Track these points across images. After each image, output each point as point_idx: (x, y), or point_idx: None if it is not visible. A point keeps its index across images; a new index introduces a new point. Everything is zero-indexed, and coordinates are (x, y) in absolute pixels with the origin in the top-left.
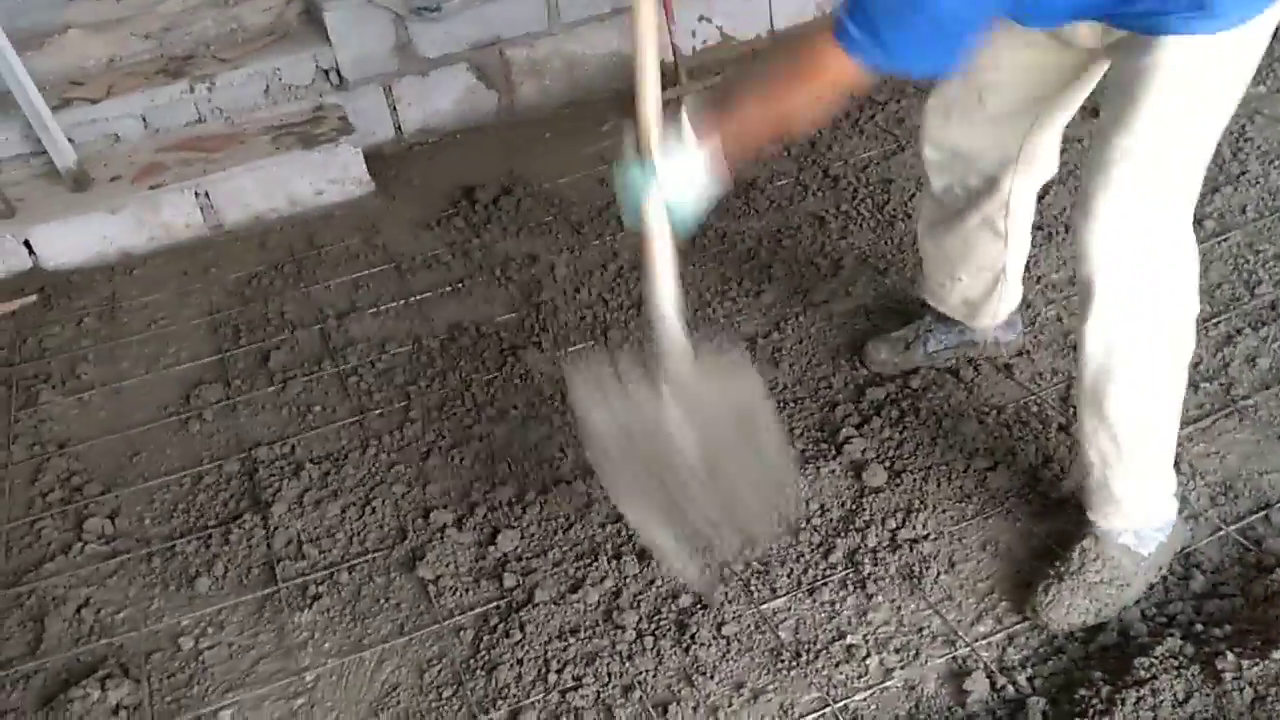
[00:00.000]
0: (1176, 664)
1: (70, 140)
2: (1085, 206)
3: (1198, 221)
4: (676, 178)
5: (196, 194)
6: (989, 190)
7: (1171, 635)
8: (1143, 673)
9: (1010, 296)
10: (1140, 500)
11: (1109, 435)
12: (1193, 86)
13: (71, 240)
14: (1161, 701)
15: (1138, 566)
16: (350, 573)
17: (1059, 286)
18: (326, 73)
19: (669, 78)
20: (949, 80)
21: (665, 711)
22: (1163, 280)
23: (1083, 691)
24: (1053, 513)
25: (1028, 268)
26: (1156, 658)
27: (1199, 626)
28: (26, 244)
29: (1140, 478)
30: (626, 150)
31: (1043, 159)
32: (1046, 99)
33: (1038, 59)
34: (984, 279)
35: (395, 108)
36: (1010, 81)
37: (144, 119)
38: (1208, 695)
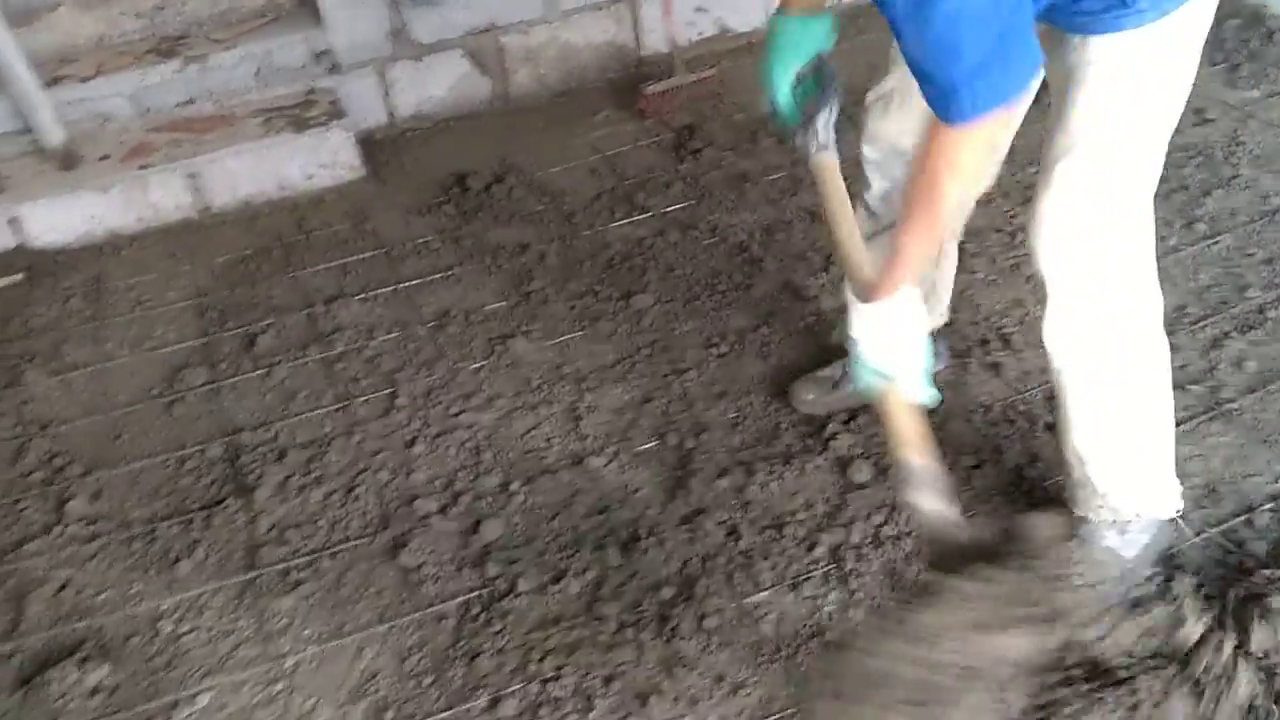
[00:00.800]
0: (1155, 664)
1: (59, 119)
2: (1033, 206)
3: (1188, 225)
4: (878, 346)
5: (186, 175)
6: None
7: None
8: (1123, 672)
9: (937, 314)
10: (1126, 494)
11: (1082, 431)
12: (1127, 82)
13: (59, 219)
14: (1140, 701)
15: (1121, 570)
16: (332, 559)
17: None
18: (319, 56)
19: (665, 69)
20: (890, 73)
21: (645, 703)
22: (1114, 275)
23: (1061, 690)
24: (1038, 512)
25: (1017, 266)
26: (1136, 658)
27: None
28: (13, 222)
29: (1124, 471)
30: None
31: None
32: None
33: None
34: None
35: (388, 93)
36: None
37: (134, 99)
38: (1185, 694)
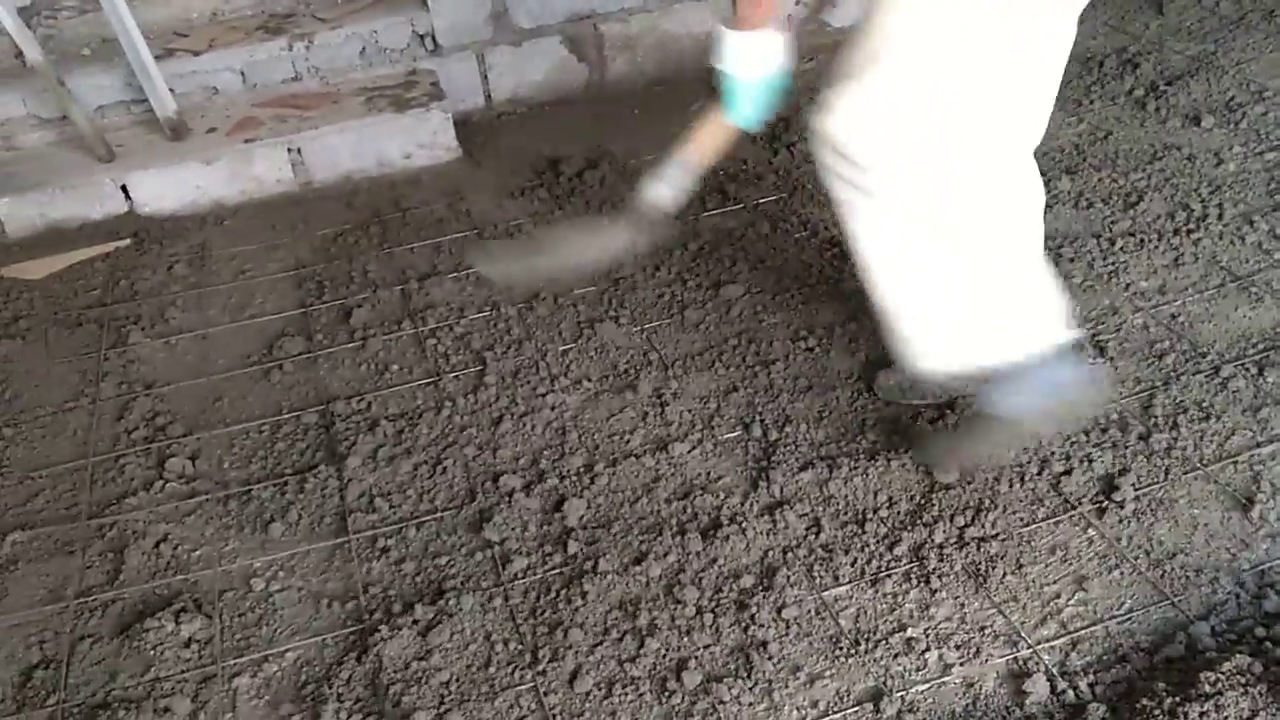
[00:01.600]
0: (1243, 681)
1: (171, 90)
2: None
3: None
4: (740, 60)
5: (289, 150)
6: None
7: (1240, 652)
8: (1208, 687)
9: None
10: (910, 345)
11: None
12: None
13: (167, 188)
14: (1226, 717)
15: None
16: (419, 529)
17: (1147, 294)
18: (422, 38)
19: None
20: None
21: (720, 688)
22: (860, 161)
23: (1145, 702)
24: (1127, 522)
25: (1114, 273)
26: (1223, 673)
27: (1269, 645)
28: (124, 189)
29: (899, 325)
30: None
31: None
32: None
33: None
34: None
35: (487, 76)
36: None
37: (242, 74)
38: (1274, 714)
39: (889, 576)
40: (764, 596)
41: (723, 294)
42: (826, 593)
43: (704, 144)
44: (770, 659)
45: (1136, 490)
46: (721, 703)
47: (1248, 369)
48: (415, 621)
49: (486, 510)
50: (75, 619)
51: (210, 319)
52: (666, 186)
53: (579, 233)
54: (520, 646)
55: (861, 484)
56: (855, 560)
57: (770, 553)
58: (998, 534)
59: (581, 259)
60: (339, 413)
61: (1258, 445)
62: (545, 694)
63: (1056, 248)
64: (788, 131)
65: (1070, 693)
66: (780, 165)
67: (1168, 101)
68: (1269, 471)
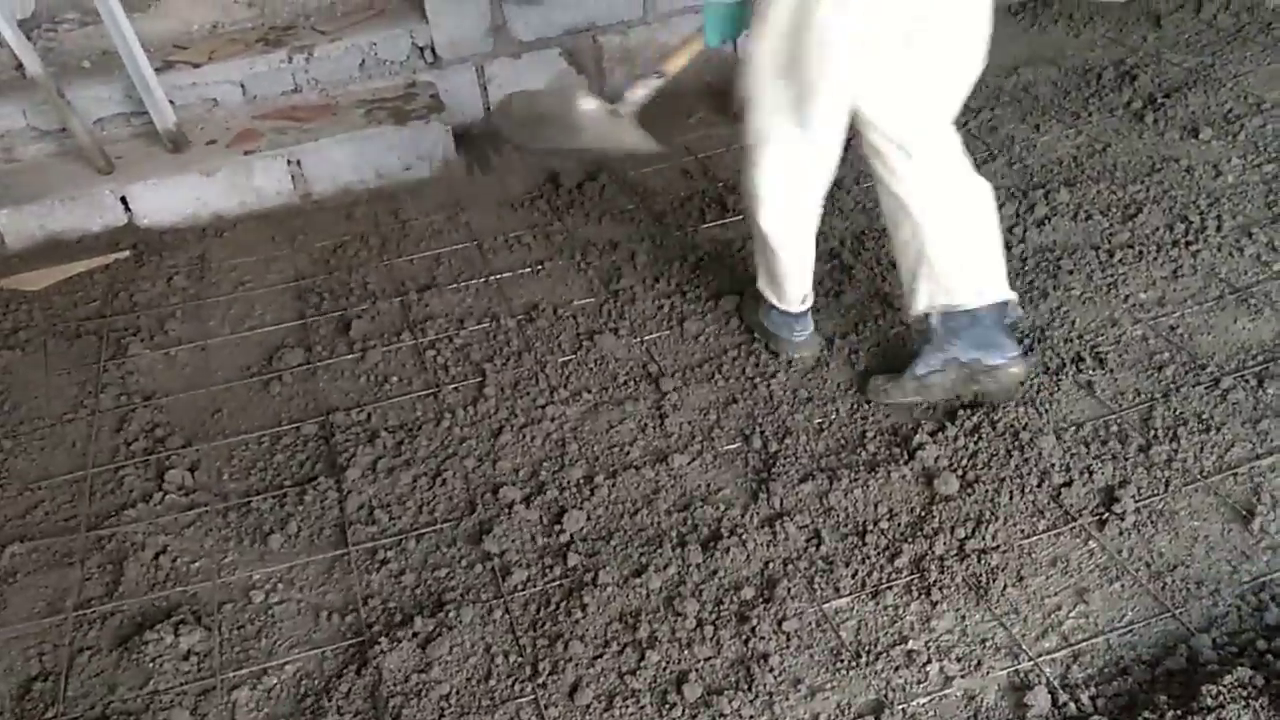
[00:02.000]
0: (1245, 694)
1: (171, 102)
2: None
3: None
4: None
5: (289, 162)
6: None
7: (1241, 665)
8: (1209, 700)
9: (934, 284)
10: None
11: None
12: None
13: (166, 200)
14: None
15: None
16: (418, 541)
17: (1147, 306)
18: (422, 50)
19: None
20: None
21: (721, 700)
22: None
23: (1146, 714)
24: (1127, 534)
25: (1113, 284)
26: (1225, 686)
27: (1270, 658)
28: (123, 200)
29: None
30: None
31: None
32: None
33: None
34: (908, 257)
35: (486, 88)
36: None
37: (242, 86)
38: None
39: (890, 588)
40: (765, 609)
41: (722, 305)
42: (827, 605)
43: (679, 59)
44: (771, 671)
45: (1137, 502)
46: (722, 715)
47: (1247, 381)
48: (415, 634)
49: (486, 522)
50: (74, 631)
51: (209, 330)
52: (642, 89)
53: (588, 112)
54: (520, 659)
55: (862, 496)
56: (856, 572)
57: (771, 564)
58: (998, 546)
59: (588, 143)
60: (338, 424)
61: (1258, 457)
62: (545, 707)
63: (1055, 259)
64: None
65: (1071, 705)
66: None
67: (1166, 114)
68: (1269, 483)
